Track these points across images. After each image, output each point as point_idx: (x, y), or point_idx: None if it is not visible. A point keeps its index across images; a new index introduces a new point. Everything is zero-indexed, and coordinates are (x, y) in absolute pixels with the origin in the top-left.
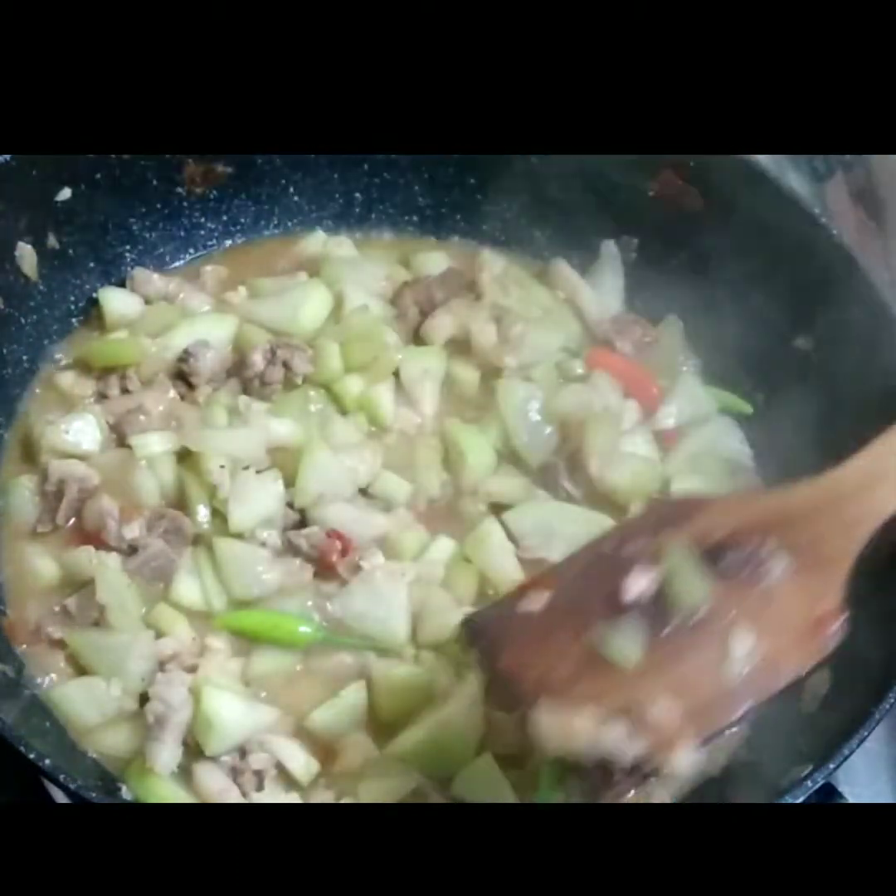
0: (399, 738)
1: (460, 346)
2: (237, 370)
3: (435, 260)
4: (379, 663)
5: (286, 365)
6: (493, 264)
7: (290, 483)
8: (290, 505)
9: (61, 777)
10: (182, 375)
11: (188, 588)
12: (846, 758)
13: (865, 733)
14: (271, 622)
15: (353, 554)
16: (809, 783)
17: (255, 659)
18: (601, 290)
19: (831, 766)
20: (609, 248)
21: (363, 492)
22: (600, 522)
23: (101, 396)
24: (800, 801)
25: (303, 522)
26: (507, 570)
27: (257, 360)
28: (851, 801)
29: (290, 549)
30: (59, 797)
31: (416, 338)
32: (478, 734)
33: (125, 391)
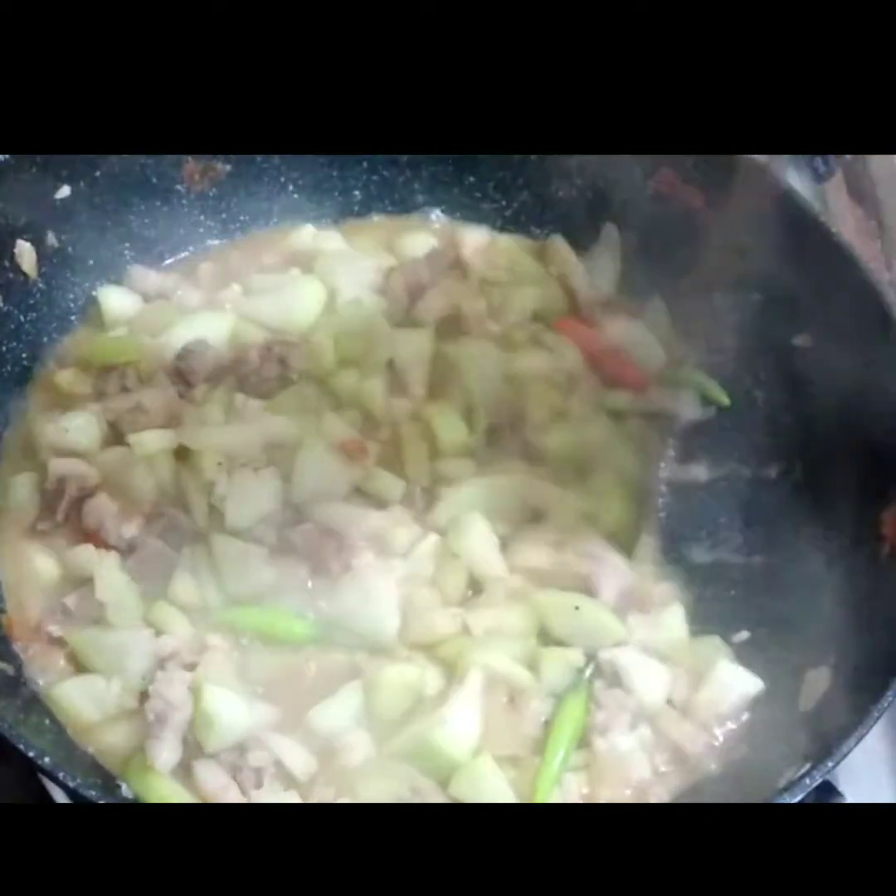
0: (396, 738)
1: (454, 324)
2: (234, 367)
3: (418, 241)
4: (370, 662)
5: (282, 361)
6: (473, 238)
7: (286, 480)
8: (287, 502)
9: (61, 775)
10: (180, 373)
11: (186, 586)
12: (845, 756)
13: (864, 731)
14: (267, 620)
15: (347, 551)
16: (808, 781)
17: (254, 657)
18: (596, 270)
19: (830, 763)
20: (610, 231)
21: (358, 490)
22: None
23: (100, 394)
24: (799, 799)
25: (299, 520)
26: (491, 564)
27: (253, 357)
28: (851, 800)
29: (285, 547)
30: (59, 797)
31: (409, 322)
32: (476, 735)
33: (124, 389)
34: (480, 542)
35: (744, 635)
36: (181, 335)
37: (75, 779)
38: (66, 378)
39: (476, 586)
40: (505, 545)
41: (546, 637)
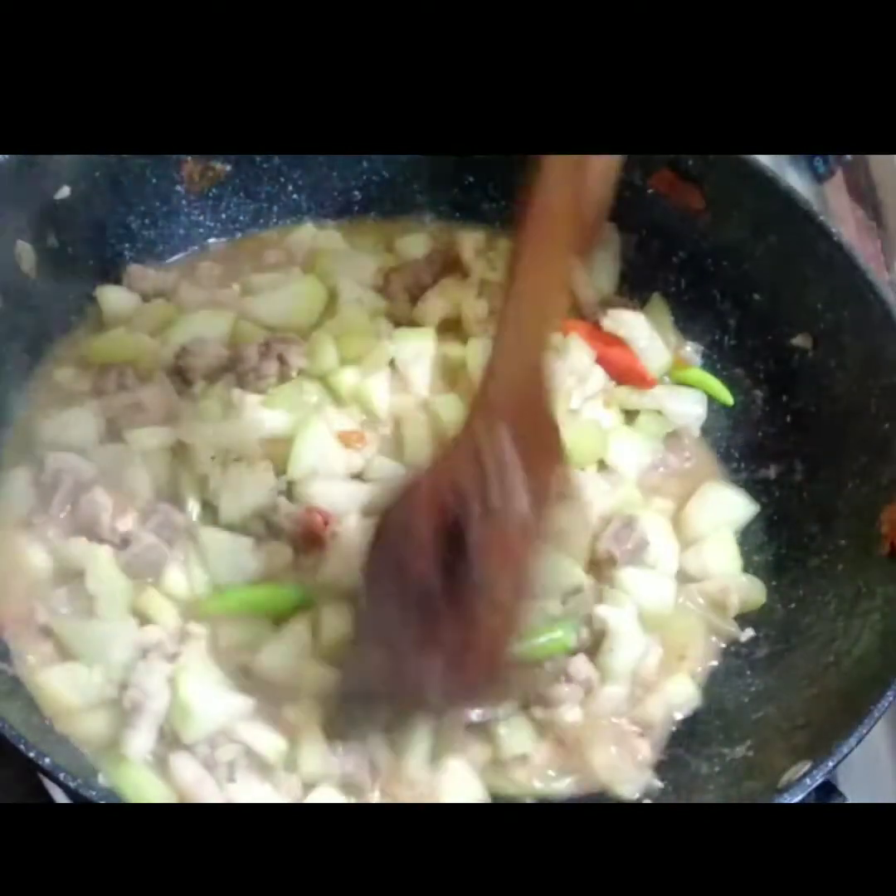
0: None
1: (454, 326)
2: (233, 365)
3: (418, 242)
4: (328, 614)
5: (281, 359)
6: (472, 239)
7: (282, 470)
8: (282, 494)
9: (61, 775)
10: (179, 371)
11: (177, 580)
12: (845, 756)
13: (864, 731)
14: (249, 597)
15: (334, 522)
16: (808, 781)
17: (235, 646)
18: (595, 270)
19: (830, 763)
20: (610, 231)
21: (356, 478)
22: None
23: (99, 392)
24: (799, 799)
25: (290, 506)
26: None
27: (252, 354)
28: (851, 800)
29: (272, 533)
30: (60, 797)
31: (410, 323)
32: None
33: (123, 387)
34: None
35: (749, 633)
36: (181, 334)
37: (75, 779)
38: (65, 376)
39: None
40: None
41: None
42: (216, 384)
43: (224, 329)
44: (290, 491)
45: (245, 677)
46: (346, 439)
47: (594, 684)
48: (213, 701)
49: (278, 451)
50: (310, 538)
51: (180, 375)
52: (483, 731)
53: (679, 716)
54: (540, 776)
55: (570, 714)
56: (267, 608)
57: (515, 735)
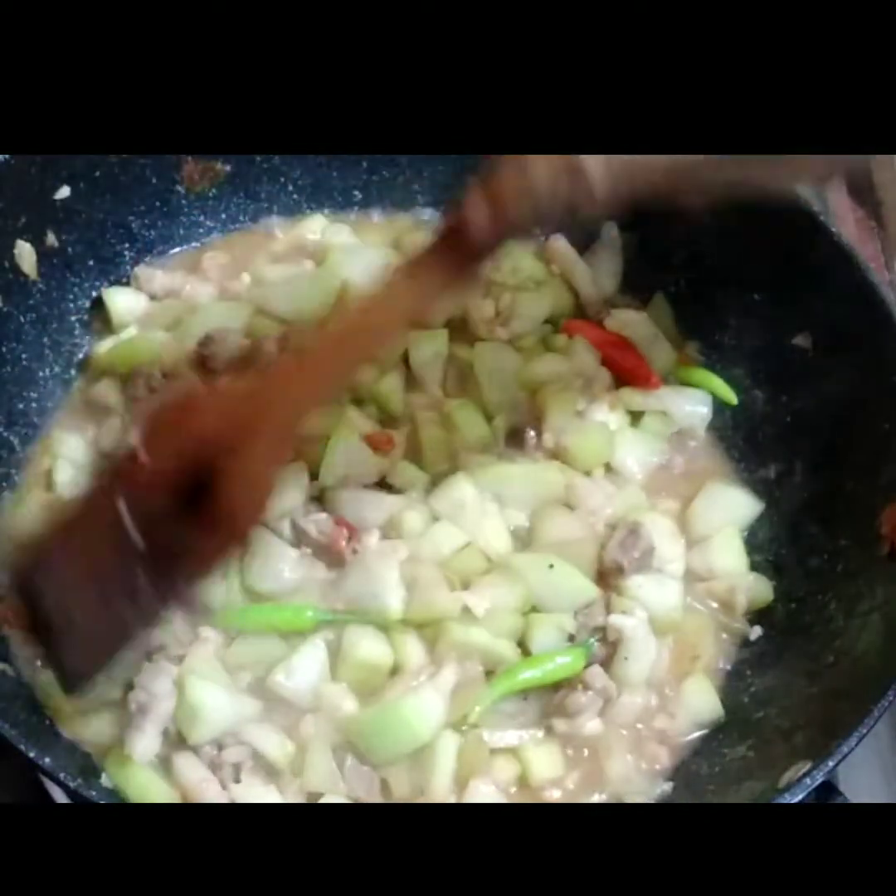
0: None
1: (459, 326)
2: (252, 357)
3: (425, 239)
4: (350, 633)
5: None
6: None
7: (313, 470)
8: (314, 499)
9: (61, 775)
10: (202, 361)
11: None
12: (845, 756)
13: (865, 731)
14: (268, 618)
15: (357, 538)
16: (808, 781)
17: (242, 649)
18: (598, 270)
19: (830, 763)
20: (611, 229)
21: (381, 484)
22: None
23: (131, 399)
24: (799, 799)
25: (319, 510)
26: (497, 544)
27: (271, 347)
28: (851, 800)
29: (298, 535)
30: (60, 797)
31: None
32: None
33: (152, 390)
34: (486, 521)
35: (757, 631)
36: (199, 327)
37: (75, 779)
38: (99, 391)
39: (486, 569)
40: (525, 531)
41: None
42: (239, 379)
43: (241, 321)
44: (321, 496)
45: (257, 689)
46: (376, 442)
47: (612, 693)
48: (221, 703)
49: (307, 451)
50: (332, 552)
51: (204, 364)
52: (511, 753)
53: (703, 721)
54: (567, 796)
55: (591, 725)
56: (285, 629)
57: (545, 758)
